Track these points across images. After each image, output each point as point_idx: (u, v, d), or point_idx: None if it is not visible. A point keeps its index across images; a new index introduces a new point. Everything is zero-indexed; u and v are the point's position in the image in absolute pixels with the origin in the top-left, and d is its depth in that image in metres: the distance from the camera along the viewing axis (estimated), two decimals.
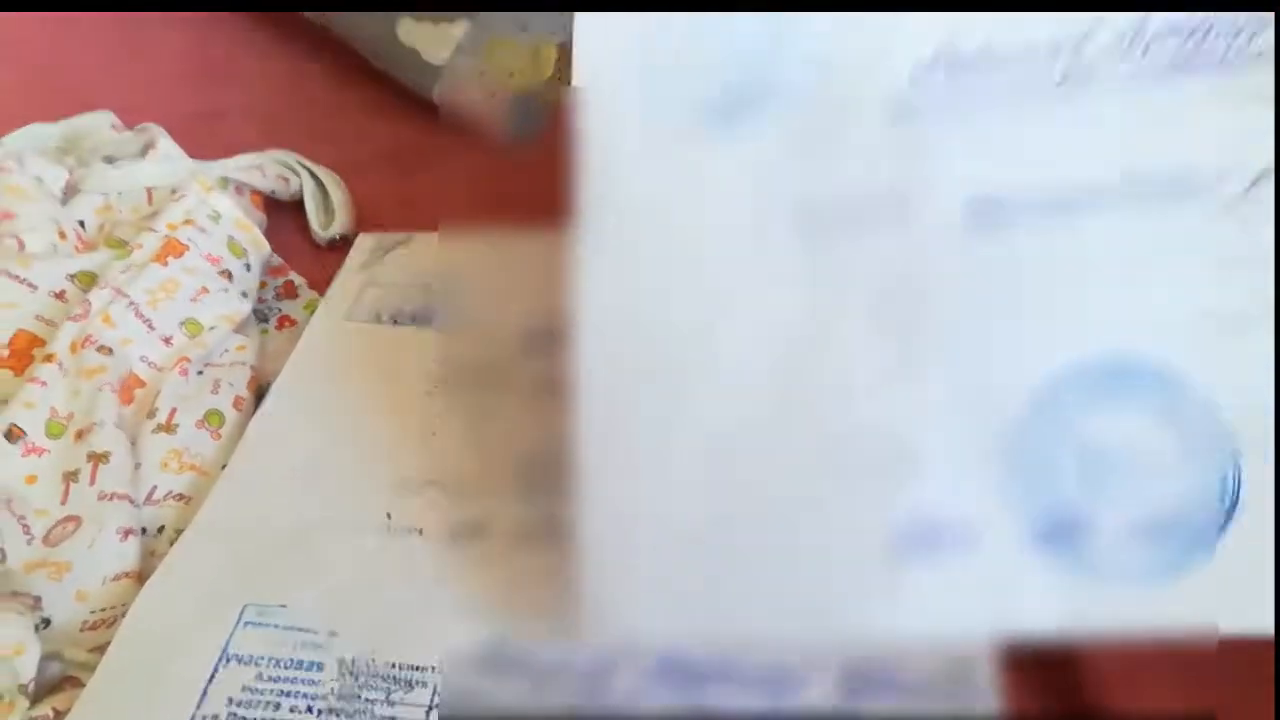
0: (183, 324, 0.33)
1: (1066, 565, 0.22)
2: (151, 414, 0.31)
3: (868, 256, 0.24)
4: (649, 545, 0.23)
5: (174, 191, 0.36)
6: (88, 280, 0.33)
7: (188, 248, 0.34)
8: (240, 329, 0.34)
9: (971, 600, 0.22)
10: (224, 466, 0.30)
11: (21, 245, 0.34)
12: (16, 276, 0.32)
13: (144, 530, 0.29)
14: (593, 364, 0.24)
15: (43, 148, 0.39)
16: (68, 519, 0.28)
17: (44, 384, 0.30)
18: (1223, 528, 0.22)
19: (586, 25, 0.26)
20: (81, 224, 0.36)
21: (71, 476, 0.28)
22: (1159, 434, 0.22)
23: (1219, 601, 0.21)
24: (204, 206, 0.35)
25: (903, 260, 0.23)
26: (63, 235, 0.35)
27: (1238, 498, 0.22)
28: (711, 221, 0.24)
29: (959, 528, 0.22)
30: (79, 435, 0.29)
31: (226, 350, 0.33)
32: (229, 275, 0.34)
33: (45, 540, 0.27)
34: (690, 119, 0.24)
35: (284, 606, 0.26)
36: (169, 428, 0.30)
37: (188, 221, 0.34)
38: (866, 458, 0.23)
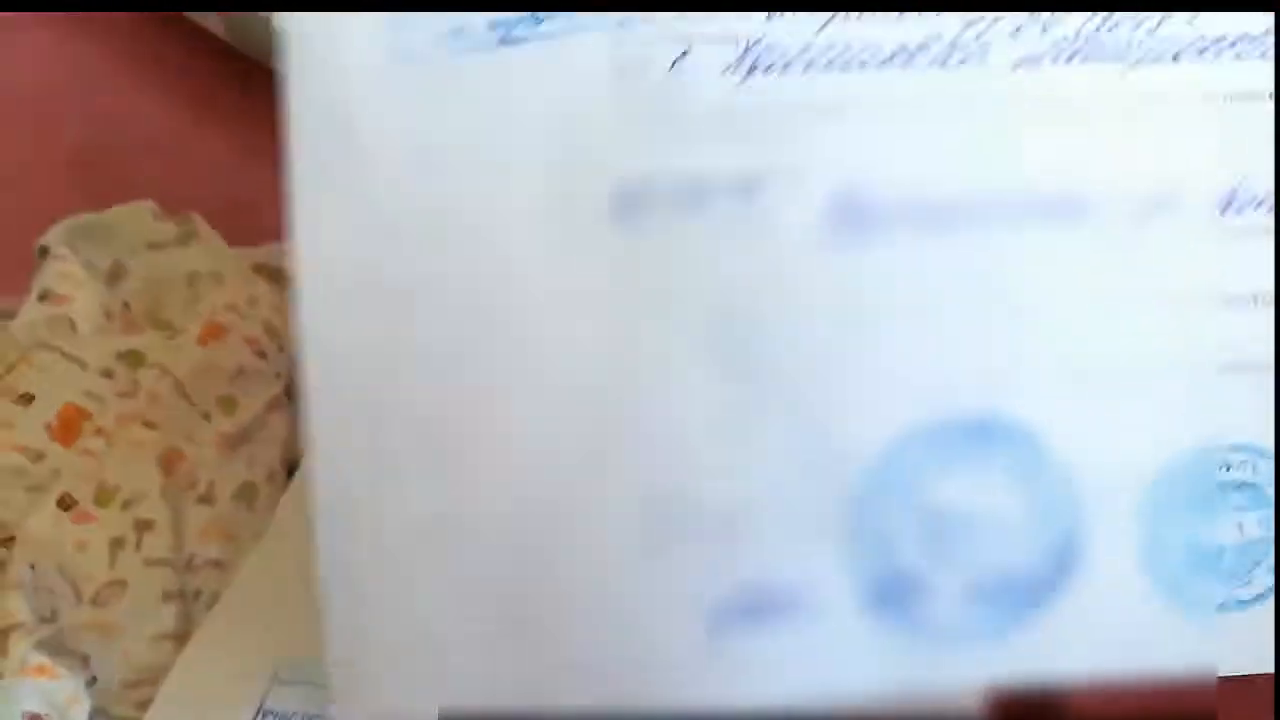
0: (220, 401, 0.35)
1: (899, 629, 0.20)
2: (192, 485, 0.33)
3: (704, 263, 0.19)
4: (420, 629, 0.20)
5: (214, 277, 0.39)
6: (134, 359, 0.35)
7: (228, 331, 0.36)
8: (274, 407, 0.36)
9: (799, 669, 0.20)
10: (258, 536, 0.32)
11: (73, 326, 0.36)
12: (69, 354, 0.35)
13: (183, 594, 0.31)
14: (323, 396, 0.19)
15: (90, 235, 0.41)
16: (114, 583, 0.30)
17: (95, 455, 0.32)
18: (1057, 586, 0.20)
19: None
20: (127, 306, 0.39)
21: (118, 543, 0.31)
22: (1005, 495, 0.20)
23: (1050, 659, 0.20)
24: (242, 292, 0.37)
25: (746, 270, 0.19)
26: (110, 317, 0.38)
27: (1078, 556, 0.20)
28: (493, 195, 0.18)
29: (788, 594, 0.20)
30: (126, 505, 0.31)
31: (261, 427, 0.35)
32: (264, 356, 0.37)
33: (93, 602, 0.29)
34: (450, 33, 0.18)
35: (315, 660, 0.28)
36: (208, 499, 0.33)
37: (228, 307, 0.37)
38: (690, 521, 0.19)
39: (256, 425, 0.35)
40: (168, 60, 0.49)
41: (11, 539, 0.30)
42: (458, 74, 0.18)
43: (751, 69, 0.19)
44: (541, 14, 0.18)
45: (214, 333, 0.36)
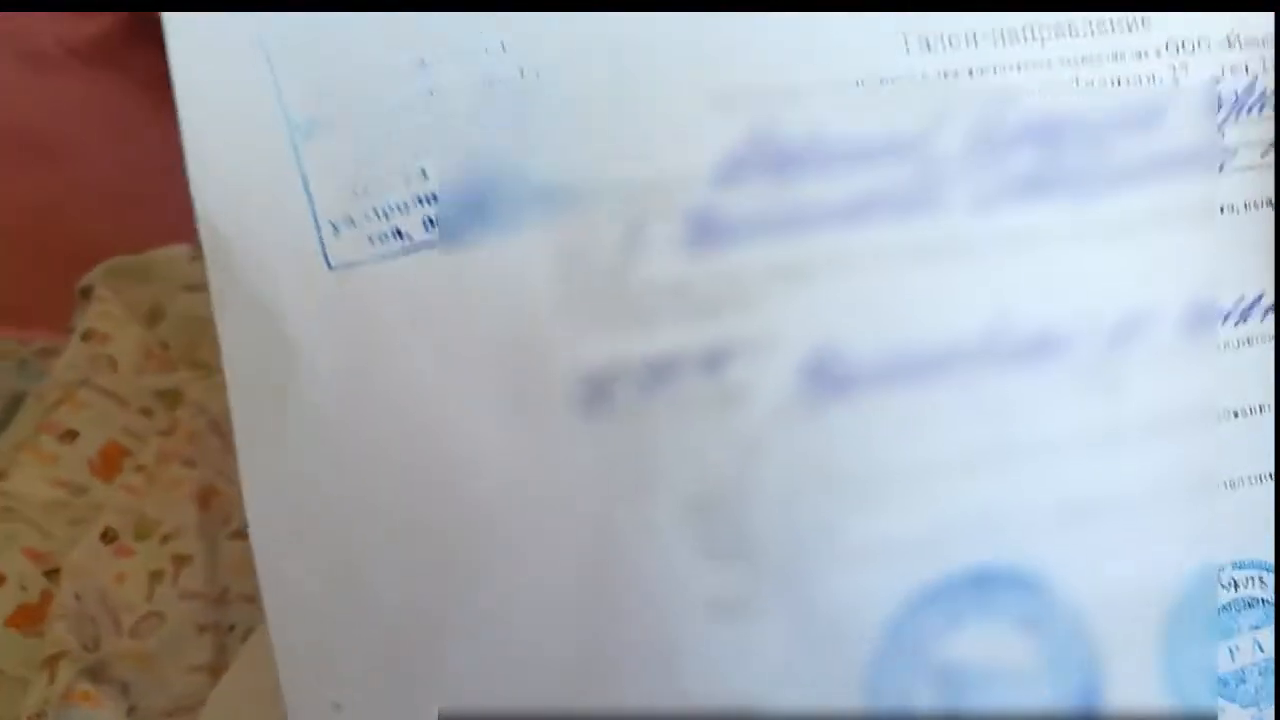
0: None
1: None
2: (227, 521, 0.34)
3: (679, 447, 0.18)
4: None
5: None
6: (172, 398, 0.37)
7: None
8: None
9: None
10: None
11: (114, 365, 0.38)
12: (110, 392, 0.36)
13: (218, 627, 0.32)
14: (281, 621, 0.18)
15: (130, 276, 0.43)
16: (152, 614, 0.31)
17: (135, 491, 0.33)
18: None
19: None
20: (165, 345, 0.40)
21: (156, 576, 0.32)
22: (1018, 644, 0.19)
23: None
24: None
25: (724, 451, 0.18)
26: (148, 356, 0.39)
27: (1099, 696, 0.19)
28: (449, 384, 0.17)
29: None
30: (164, 539, 0.32)
31: None
32: None
33: (132, 633, 0.30)
34: (398, 223, 0.17)
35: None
36: (242, 535, 0.34)
37: None
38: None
39: None
40: None
41: (56, 570, 0.31)
42: (398, 277, 0.17)
43: (701, 240, 0.18)
44: (480, 205, 0.17)
45: None
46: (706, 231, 0.18)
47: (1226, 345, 0.19)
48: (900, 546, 0.18)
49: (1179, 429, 0.19)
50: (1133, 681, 0.19)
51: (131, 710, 0.29)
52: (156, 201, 0.48)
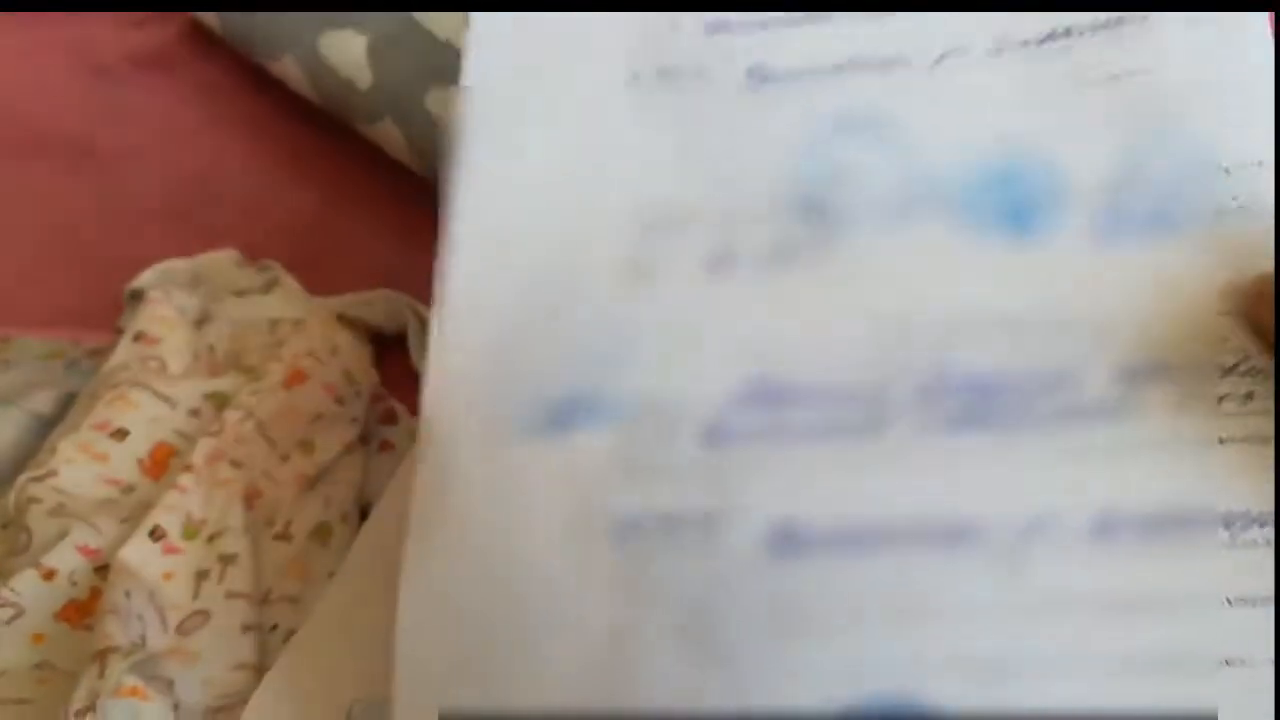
0: (300, 444, 0.37)
1: None
2: (270, 523, 0.34)
3: (676, 573, 0.25)
4: None
5: (296, 324, 0.41)
6: (220, 400, 0.37)
7: (309, 376, 0.38)
8: (349, 451, 0.38)
9: None
10: (331, 574, 0.34)
11: (164, 367, 0.38)
12: (160, 394, 0.37)
13: (260, 627, 0.32)
14: (409, 666, 0.25)
15: (180, 280, 0.43)
16: (198, 613, 0.31)
17: (183, 491, 0.33)
18: None
19: (446, 323, 0.27)
20: (212, 349, 0.41)
21: (203, 575, 0.32)
22: None
23: None
24: (324, 341, 0.39)
25: (706, 581, 0.25)
26: (197, 359, 0.40)
27: None
28: (533, 525, 0.25)
29: None
30: (210, 539, 0.33)
31: (337, 469, 0.37)
32: (342, 402, 0.38)
33: (178, 630, 0.31)
34: (524, 424, 0.26)
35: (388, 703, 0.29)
36: (286, 536, 0.34)
37: (309, 353, 0.39)
38: None
39: (333, 467, 0.37)
40: (254, 120, 0.51)
41: (105, 567, 0.31)
42: (520, 457, 0.26)
43: (710, 440, 0.25)
44: (577, 408, 0.26)
45: (296, 378, 0.38)
46: (714, 435, 0.25)
47: (1128, 548, 0.24)
48: (828, 672, 0.24)
49: (1083, 611, 0.23)
50: None
51: (176, 707, 0.29)
52: (207, 209, 0.49)
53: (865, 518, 0.25)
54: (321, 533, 0.35)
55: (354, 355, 0.40)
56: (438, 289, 0.27)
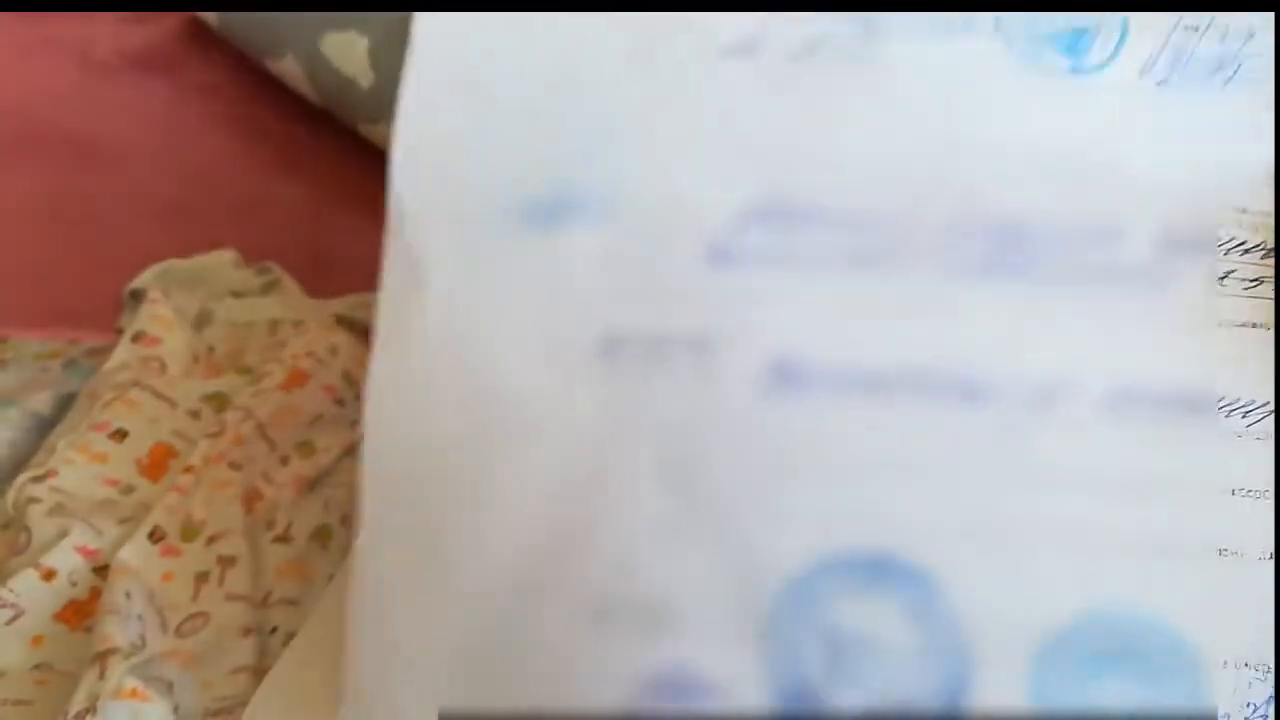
0: (299, 446, 0.37)
1: None
2: (270, 525, 0.34)
3: (664, 399, 0.23)
4: (415, 658, 0.23)
5: (296, 325, 0.40)
6: (219, 402, 0.37)
7: (309, 378, 0.38)
8: (348, 453, 0.38)
9: None
10: (331, 577, 0.34)
11: (163, 367, 0.38)
12: (160, 394, 0.37)
13: (260, 630, 0.32)
14: (376, 474, 0.23)
15: (179, 281, 0.43)
16: (198, 615, 0.31)
17: (183, 492, 0.33)
18: None
19: (413, 103, 0.24)
20: (211, 350, 0.41)
21: (202, 577, 0.32)
22: (899, 629, 0.22)
23: None
24: (324, 342, 0.39)
25: (695, 411, 0.23)
26: (196, 360, 0.40)
27: (966, 698, 0.22)
28: (512, 333, 0.23)
29: (706, 686, 0.23)
30: (210, 540, 0.33)
31: (336, 472, 0.37)
32: (342, 404, 0.38)
33: (178, 632, 0.31)
34: (502, 219, 0.23)
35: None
36: (286, 538, 0.34)
37: (309, 354, 0.39)
38: (632, 612, 0.23)
39: (333, 470, 0.37)
40: (253, 120, 0.51)
41: (104, 568, 0.31)
42: (497, 258, 0.24)
43: (712, 259, 0.23)
44: (564, 203, 0.24)
45: (296, 379, 0.38)
46: (717, 253, 0.23)
47: (1140, 422, 0.23)
48: (818, 518, 0.23)
49: (1085, 489, 0.23)
50: (999, 695, 0.22)
51: (175, 709, 0.29)
52: (206, 209, 0.49)
53: (872, 361, 0.23)
54: (321, 535, 0.35)
55: (354, 357, 0.39)
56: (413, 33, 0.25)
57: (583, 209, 0.23)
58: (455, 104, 0.24)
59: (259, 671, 0.31)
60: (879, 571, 0.22)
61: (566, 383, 0.23)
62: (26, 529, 0.32)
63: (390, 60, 0.48)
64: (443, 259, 0.23)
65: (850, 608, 0.22)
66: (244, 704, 0.30)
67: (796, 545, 0.23)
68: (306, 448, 0.37)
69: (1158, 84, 0.23)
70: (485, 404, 0.23)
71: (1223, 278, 0.23)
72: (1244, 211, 0.23)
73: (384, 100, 0.48)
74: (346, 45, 0.48)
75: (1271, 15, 0.24)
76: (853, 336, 0.23)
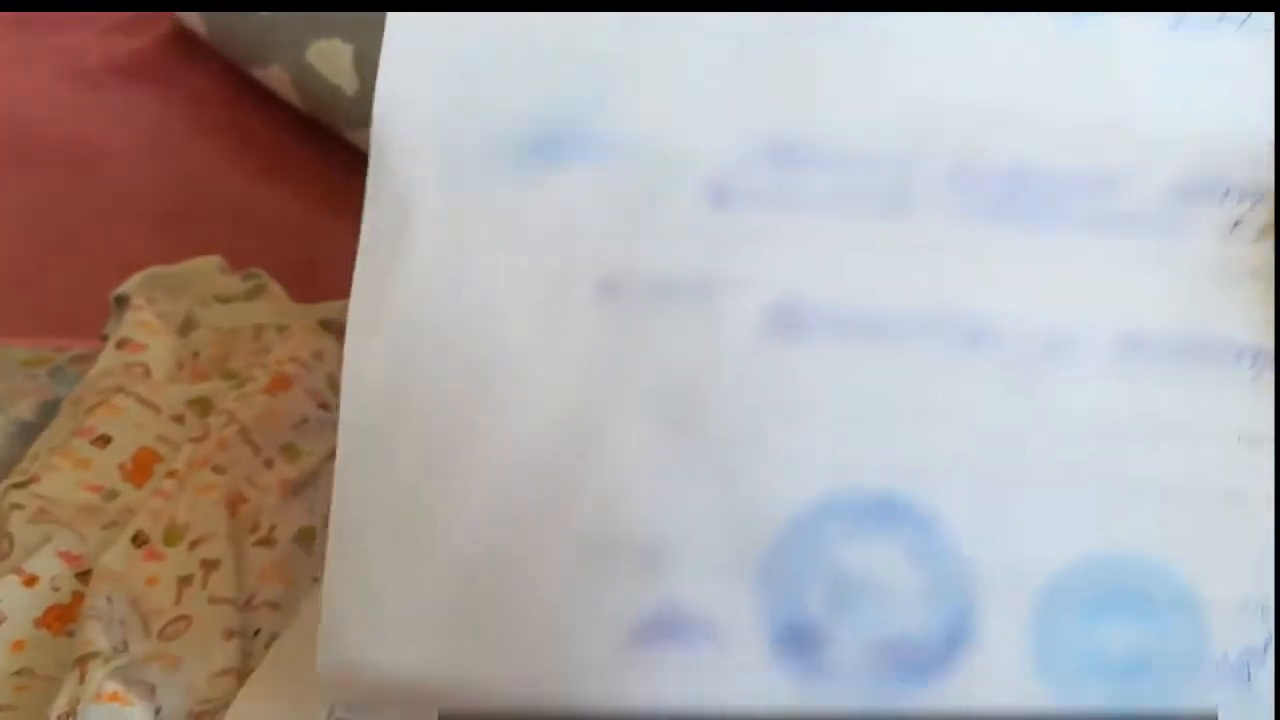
0: (283, 449, 0.37)
1: (801, 670, 0.22)
2: (254, 528, 0.34)
3: (663, 343, 0.23)
4: (397, 593, 0.23)
5: (281, 330, 0.41)
6: (203, 406, 0.37)
7: (293, 382, 0.38)
8: (333, 456, 0.38)
9: (706, 689, 0.22)
10: (315, 579, 0.34)
11: (148, 373, 0.38)
12: (144, 400, 0.37)
13: (244, 633, 0.32)
14: (353, 415, 0.23)
15: (164, 287, 0.43)
16: (180, 618, 0.31)
17: (166, 496, 0.33)
18: (946, 662, 0.22)
19: (397, 29, 0.24)
20: (196, 355, 0.41)
21: (185, 581, 0.32)
22: (902, 569, 0.22)
23: None
24: (308, 346, 0.39)
25: (696, 354, 0.23)
26: (181, 365, 0.40)
27: (968, 638, 0.22)
28: (506, 274, 0.23)
29: (702, 625, 0.22)
30: (193, 544, 0.33)
31: (321, 475, 0.37)
32: (326, 407, 0.38)
33: (160, 635, 0.31)
34: (496, 154, 0.23)
35: (367, 706, 0.29)
36: (269, 541, 0.34)
37: (293, 359, 0.39)
38: (625, 551, 0.23)
39: (317, 473, 0.37)
40: (240, 127, 0.52)
41: (88, 572, 0.31)
42: (491, 194, 0.23)
43: (714, 200, 0.23)
44: (560, 139, 0.23)
45: (280, 383, 0.38)
46: (720, 193, 0.23)
47: (1149, 370, 0.23)
48: (816, 461, 0.22)
49: (1091, 433, 0.23)
50: (1001, 636, 0.22)
51: (157, 712, 0.29)
52: (192, 215, 0.49)
53: (878, 304, 0.23)
54: (305, 538, 0.35)
55: (339, 361, 0.39)
56: None
57: (581, 146, 0.23)
58: (445, 34, 0.24)
59: (242, 674, 0.31)
60: (883, 513, 0.22)
61: (561, 323, 0.23)
62: (9, 535, 0.32)
63: (374, 66, 0.48)
64: (431, 192, 0.23)
65: (852, 549, 0.22)
66: (227, 706, 0.30)
67: (799, 486, 0.22)
68: (291, 451, 0.37)
69: (1170, 29, 0.23)
70: (473, 342, 0.23)
71: (1233, 226, 0.23)
72: (1255, 160, 0.23)
73: (369, 107, 0.48)
74: (332, 52, 0.48)
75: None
76: (857, 279, 0.23)
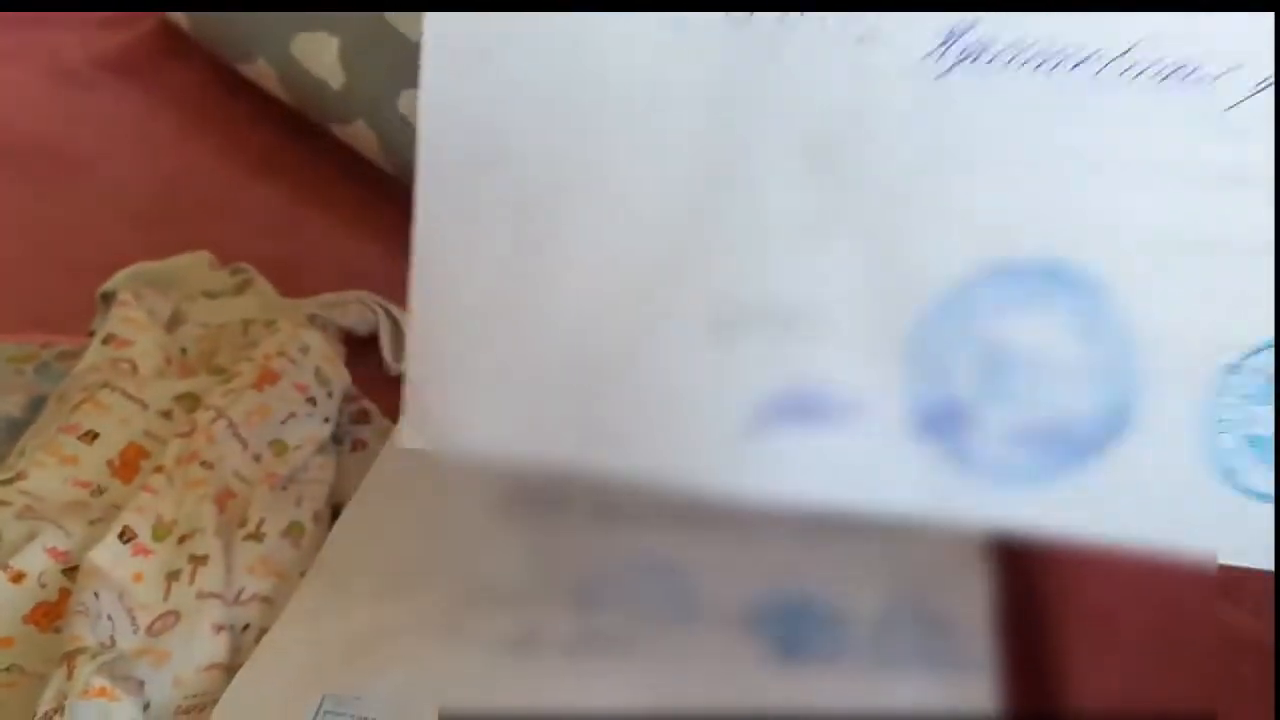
0: (272, 444, 0.37)
1: (943, 454, 0.21)
2: (243, 523, 0.34)
3: (818, 69, 0.20)
4: (496, 370, 0.21)
5: (268, 325, 0.41)
6: (191, 402, 0.37)
7: (280, 376, 0.38)
8: (321, 450, 0.38)
9: (837, 474, 0.21)
10: (303, 573, 0.34)
11: (134, 369, 0.38)
12: (131, 396, 0.37)
13: (232, 627, 0.32)
14: (435, 155, 0.20)
15: (151, 283, 0.43)
16: (168, 613, 0.31)
17: (154, 492, 0.33)
18: (1105, 446, 0.20)
19: None
20: (184, 351, 0.41)
21: (173, 576, 0.32)
22: (1064, 344, 0.20)
23: (1088, 515, 0.20)
24: (295, 340, 0.39)
25: (857, 85, 0.20)
26: (168, 361, 0.40)
27: (1130, 419, 0.20)
28: None
29: (839, 401, 0.21)
30: (181, 540, 0.33)
31: (308, 469, 0.37)
32: (314, 402, 0.38)
33: (148, 631, 0.31)
34: None
35: (359, 698, 0.29)
36: (257, 536, 0.34)
37: (280, 353, 0.39)
38: (756, 315, 0.21)
39: (304, 468, 0.37)
40: (225, 122, 0.51)
41: (75, 569, 0.31)
42: None
43: None
44: None
45: (268, 378, 0.38)
46: None
47: None
48: (975, 223, 0.20)
49: None
50: (1164, 419, 0.20)
51: (146, 707, 0.29)
52: (179, 211, 0.49)
53: (1065, 37, 0.20)
54: (293, 532, 0.35)
55: (326, 355, 0.40)
56: None
57: None
58: None
59: (231, 668, 0.31)
60: (1043, 280, 0.20)
61: (693, 47, 0.20)
62: None
63: (360, 61, 0.48)
64: None
65: (1008, 320, 0.20)
66: (215, 701, 0.30)
67: (950, 249, 0.20)
68: (279, 446, 0.37)
69: None
70: (594, 70, 0.20)
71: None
72: None
73: (354, 101, 0.48)
74: (316, 46, 0.48)
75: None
76: (1045, 15, 0.20)
